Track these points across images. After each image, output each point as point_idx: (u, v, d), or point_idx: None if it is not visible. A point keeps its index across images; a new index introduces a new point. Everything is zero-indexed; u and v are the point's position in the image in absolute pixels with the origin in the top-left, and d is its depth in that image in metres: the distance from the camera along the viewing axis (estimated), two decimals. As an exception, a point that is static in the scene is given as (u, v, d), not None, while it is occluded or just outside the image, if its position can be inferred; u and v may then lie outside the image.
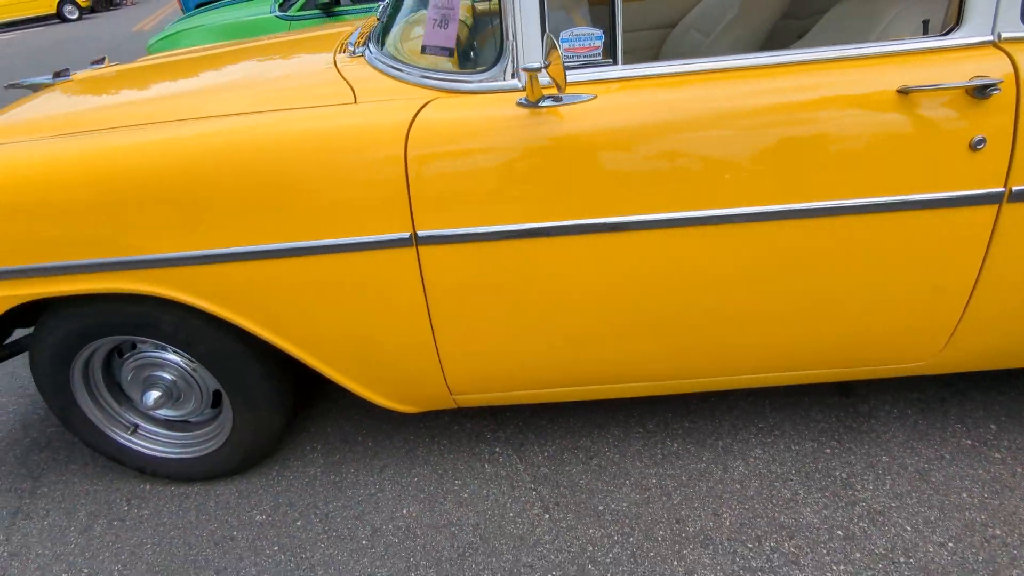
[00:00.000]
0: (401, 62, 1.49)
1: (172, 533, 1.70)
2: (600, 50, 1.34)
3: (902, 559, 1.45)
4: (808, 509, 1.59)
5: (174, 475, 1.82)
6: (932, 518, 1.54)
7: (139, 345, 1.68)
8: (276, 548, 1.63)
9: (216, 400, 1.76)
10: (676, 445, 1.82)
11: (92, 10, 17.69)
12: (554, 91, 1.31)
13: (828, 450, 1.75)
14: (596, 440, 1.86)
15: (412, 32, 1.68)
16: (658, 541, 1.55)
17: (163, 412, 1.77)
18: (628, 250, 1.37)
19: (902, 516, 1.55)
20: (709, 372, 1.57)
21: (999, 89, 1.25)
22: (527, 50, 1.31)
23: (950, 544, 1.48)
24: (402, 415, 2.02)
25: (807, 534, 1.53)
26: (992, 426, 1.77)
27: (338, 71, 1.55)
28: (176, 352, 1.66)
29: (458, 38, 1.45)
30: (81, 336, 1.57)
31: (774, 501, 1.62)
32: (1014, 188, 1.31)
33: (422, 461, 1.85)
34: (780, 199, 1.31)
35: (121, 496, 1.83)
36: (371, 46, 1.64)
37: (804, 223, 1.33)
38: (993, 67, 1.26)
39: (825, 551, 1.49)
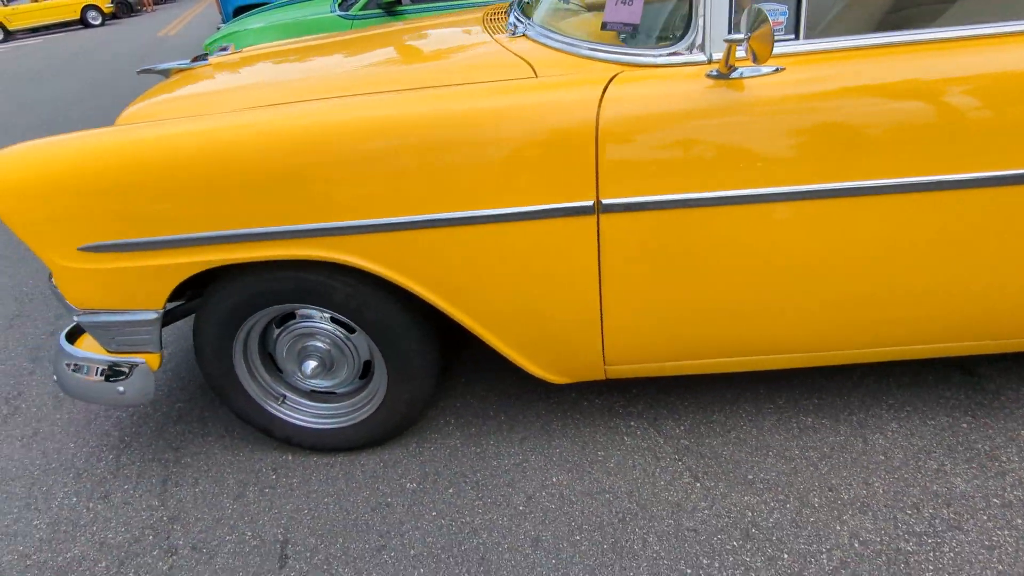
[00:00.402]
0: (569, 37, 1.54)
1: (326, 500, 1.74)
2: (784, 25, 1.39)
3: (1065, 524, 1.49)
4: (959, 479, 1.63)
5: (321, 445, 1.85)
6: (1086, 487, 1.57)
7: (297, 314, 1.72)
8: (434, 513, 1.67)
9: (364, 371, 1.80)
10: (810, 420, 1.86)
11: (114, 16, 17.91)
12: (744, 64, 1.36)
13: (964, 424, 1.79)
14: (729, 415, 1.90)
15: (566, 7, 1.74)
16: (816, 507, 1.59)
17: (314, 382, 1.81)
18: (815, 220, 1.41)
19: (1055, 485, 1.59)
20: (876, 343, 1.60)
21: None
22: (716, 24, 1.36)
23: (1110, 510, 1.51)
24: (528, 391, 2.05)
25: (963, 502, 1.57)
26: (1125, 402, 1.81)
27: (506, 48, 1.61)
28: (334, 322, 1.71)
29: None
30: (252, 303, 1.61)
31: (922, 472, 1.66)
32: None
33: (559, 434, 1.89)
34: (969, 168, 1.36)
35: (266, 466, 1.87)
36: (529, 24, 1.69)
37: (989, 192, 1.38)
38: None
39: (986, 517, 1.52)
